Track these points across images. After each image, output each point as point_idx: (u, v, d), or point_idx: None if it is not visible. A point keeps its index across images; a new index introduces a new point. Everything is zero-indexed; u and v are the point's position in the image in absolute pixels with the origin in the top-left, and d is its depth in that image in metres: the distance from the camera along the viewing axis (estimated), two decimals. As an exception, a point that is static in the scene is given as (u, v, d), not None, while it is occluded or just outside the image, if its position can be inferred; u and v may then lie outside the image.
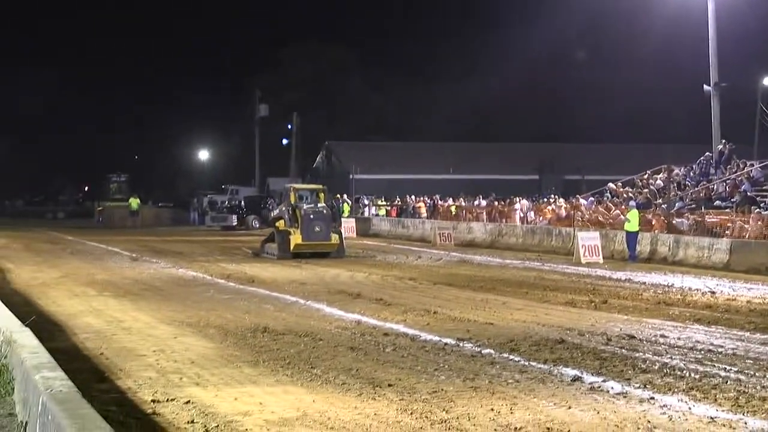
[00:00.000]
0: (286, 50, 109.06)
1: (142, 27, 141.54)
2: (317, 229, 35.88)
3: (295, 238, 35.85)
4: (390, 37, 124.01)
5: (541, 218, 47.73)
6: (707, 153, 46.04)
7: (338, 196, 66.94)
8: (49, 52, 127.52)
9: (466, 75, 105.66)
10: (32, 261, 34.53)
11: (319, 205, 37.36)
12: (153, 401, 11.52)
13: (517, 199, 53.29)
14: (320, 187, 40.99)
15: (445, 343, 15.66)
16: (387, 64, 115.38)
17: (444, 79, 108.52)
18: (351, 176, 70.20)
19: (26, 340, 12.16)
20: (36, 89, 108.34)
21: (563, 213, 46.10)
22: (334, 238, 36.67)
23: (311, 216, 35.98)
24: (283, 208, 37.88)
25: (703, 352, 14.97)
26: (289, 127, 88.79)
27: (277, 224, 37.56)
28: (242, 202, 71.85)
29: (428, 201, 61.75)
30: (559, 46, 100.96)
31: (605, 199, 47.42)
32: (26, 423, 9.58)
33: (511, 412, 10.94)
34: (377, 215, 63.91)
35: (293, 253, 35.65)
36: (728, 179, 41.73)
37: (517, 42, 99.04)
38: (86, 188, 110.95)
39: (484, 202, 56.76)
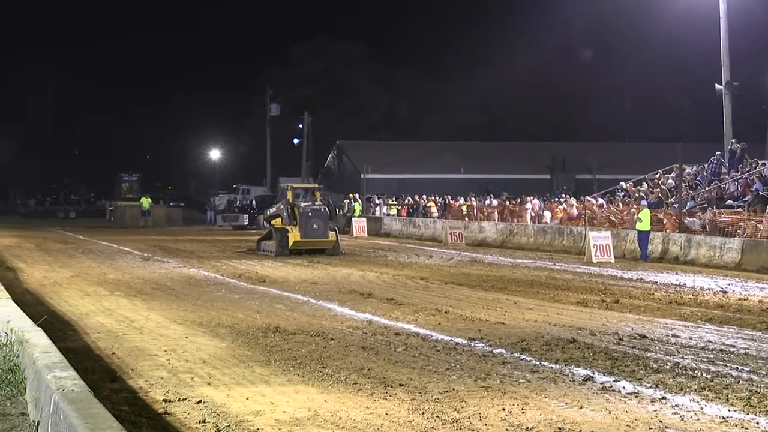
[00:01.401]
0: (297, 48, 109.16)
1: (152, 26, 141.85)
2: (315, 226, 36.74)
3: (294, 236, 36.82)
4: (400, 35, 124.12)
5: (552, 217, 47.69)
6: (717, 152, 45.98)
7: (351, 195, 66.95)
8: (59, 52, 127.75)
9: (476, 73, 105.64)
10: (44, 260, 34.58)
11: (316, 203, 38.05)
12: (164, 401, 11.53)
13: (529, 199, 53.21)
14: (316, 186, 42.48)
15: (457, 343, 15.66)
16: (398, 63, 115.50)
17: (455, 77, 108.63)
18: (362, 175, 70.10)
19: (38, 339, 12.19)
20: (48, 89, 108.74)
21: (574, 212, 46.05)
22: (331, 235, 37.46)
23: (309, 214, 36.84)
24: (281, 206, 38.54)
25: (714, 351, 14.94)
26: (300, 126, 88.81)
27: (273, 222, 38.45)
28: (254, 202, 71.92)
29: (439, 200, 61.72)
30: (570, 45, 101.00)
31: (617, 198, 47.36)
32: (38, 422, 9.59)
33: (523, 412, 10.92)
34: (388, 215, 63.87)
35: (291, 250, 36.68)
36: (740, 178, 41.64)
37: (528, 40, 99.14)
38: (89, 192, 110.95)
39: (495, 202, 56.69)
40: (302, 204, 37.87)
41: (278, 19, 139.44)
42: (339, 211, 63.20)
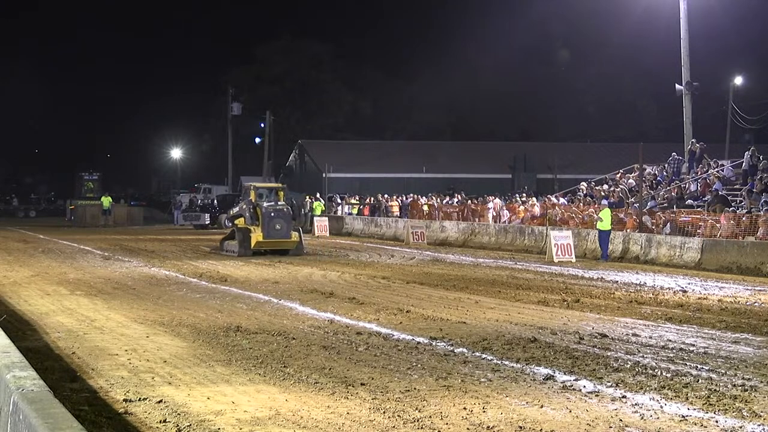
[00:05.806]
0: (261, 48, 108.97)
1: (116, 26, 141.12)
2: (278, 227, 36.66)
3: (256, 236, 36.73)
4: (365, 35, 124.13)
5: (514, 217, 47.82)
6: (673, 153, 46.36)
7: (309, 197, 66.78)
8: (19, 51, 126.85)
9: (441, 74, 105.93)
10: (3, 260, 34.32)
11: (279, 203, 37.95)
12: (125, 400, 11.48)
13: (491, 198, 53.31)
14: (279, 185, 41.96)
15: (418, 342, 15.66)
16: (362, 62, 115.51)
17: (418, 77, 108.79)
18: (324, 175, 70.15)
19: (-3, 339, 12.09)
20: (6, 88, 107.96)
21: (536, 212, 46.20)
22: (294, 235, 37.36)
23: (272, 214, 36.74)
24: (243, 206, 38.44)
25: (674, 350, 15.02)
26: (262, 125, 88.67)
27: (236, 222, 38.42)
28: (215, 201, 71.73)
29: (402, 200, 61.70)
30: (533, 46, 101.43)
31: (578, 198, 47.57)
32: (-3, 422, 9.52)
33: (484, 411, 10.94)
34: (350, 214, 63.85)
35: (253, 250, 36.61)
36: (700, 178, 41.93)
37: (492, 42, 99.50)
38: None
39: (455, 200, 56.82)
40: (265, 204, 37.77)
41: (243, 18, 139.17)
42: (302, 211, 63.16)
